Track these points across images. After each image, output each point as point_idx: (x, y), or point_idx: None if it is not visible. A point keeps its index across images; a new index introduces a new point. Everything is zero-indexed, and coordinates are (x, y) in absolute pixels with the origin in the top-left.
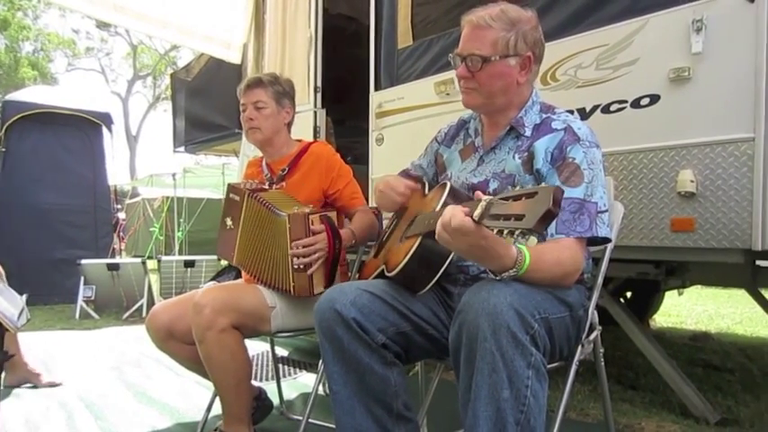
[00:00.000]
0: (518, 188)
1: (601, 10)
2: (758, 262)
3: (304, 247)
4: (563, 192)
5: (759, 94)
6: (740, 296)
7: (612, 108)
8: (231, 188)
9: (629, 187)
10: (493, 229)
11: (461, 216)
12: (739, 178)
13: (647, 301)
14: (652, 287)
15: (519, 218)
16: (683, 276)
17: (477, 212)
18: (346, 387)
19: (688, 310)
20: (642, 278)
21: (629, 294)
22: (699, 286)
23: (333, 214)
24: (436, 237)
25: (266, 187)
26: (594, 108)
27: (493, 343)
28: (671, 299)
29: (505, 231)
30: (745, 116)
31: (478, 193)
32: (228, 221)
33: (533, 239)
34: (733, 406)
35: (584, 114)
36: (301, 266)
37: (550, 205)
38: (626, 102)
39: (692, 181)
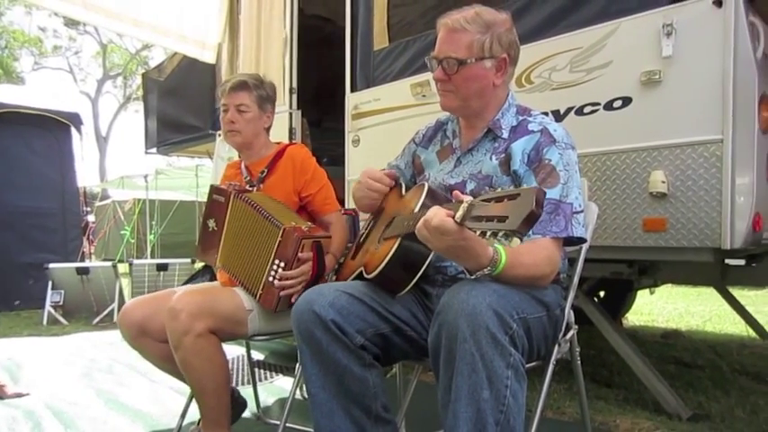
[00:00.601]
0: (498, 189)
1: (574, 13)
2: (727, 260)
3: (288, 279)
4: (545, 193)
5: (726, 97)
6: (709, 294)
7: (586, 110)
8: (215, 190)
9: (602, 188)
10: (475, 231)
11: (443, 215)
12: (708, 179)
13: (619, 300)
14: (624, 286)
15: (502, 219)
16: (655, 275)
17: (459, 214)
18: (324, 389)
19: (659, 308)
20: (615, 277)
21: (602, 294)
22: (669, 285)
23: (326, 241)
24: (416, 233)
25: (248, 189)
26: (569, 110)
27: (472, 344)
28: (642, 297)
29: (488, 233)
30: (713, 118)
31: (457, 193)
32: (211, 223)
33: (516, 240)
34: (704, 402)
35: (558, 116)
36: (275, 282)
37: (533, 207)
38: (599, 104)
39: (663, 181)
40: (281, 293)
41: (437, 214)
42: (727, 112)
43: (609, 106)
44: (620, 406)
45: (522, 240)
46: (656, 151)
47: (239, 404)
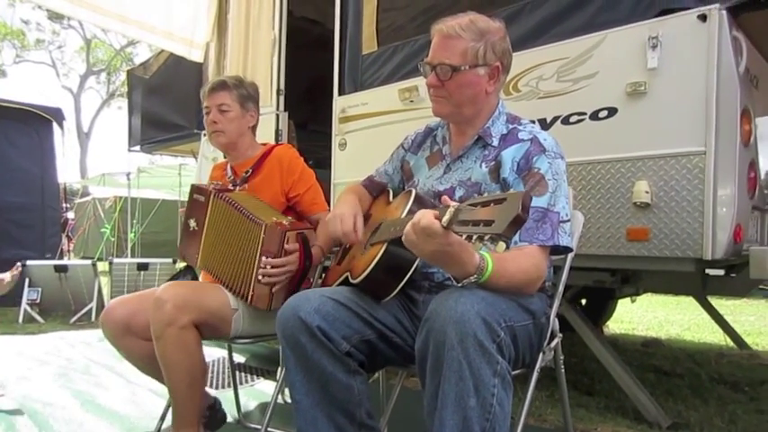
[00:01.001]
0: (486, 195)
1: (562, 24)
2: (707, 270)
3: (274, 267)
4: (531, 197)
5: (710, 110)
6: (688, 303)
7: (572, 119)
8: (195, 189)
9: (587, 197)
10: (462, 235)
11: (430, 217)
12: (691, 190)
13: (600, 308)
14: (606, 294)
15: (488, 223)
16: (638, 284)
17: (445, 218)
18: (308, 396)
19: (639, 316)
20: (598, 286)
21: (583, 301)
22: (649, 293)
23: (311, 233)
24: (403, 237)
25: (230, 188)
26: (555, 119)
27: (460, 351)
28: (623, 306)
29: (474, 236)
30: (697, 130)
31: (446, 198)
32: (192, 223)
33: (502, 245)
34: (683, 410)
35: (544, 125)
36: (263, 279)
37: (519, 211)
38: (585, 114)
39: (647, 192)
40: (263, 281)
41: (425, 215)
42: (711, 125)
43: (595, 116)
44: (601, 414)
45: (508, 245)
46: (640, 162)
47: (219, 418)
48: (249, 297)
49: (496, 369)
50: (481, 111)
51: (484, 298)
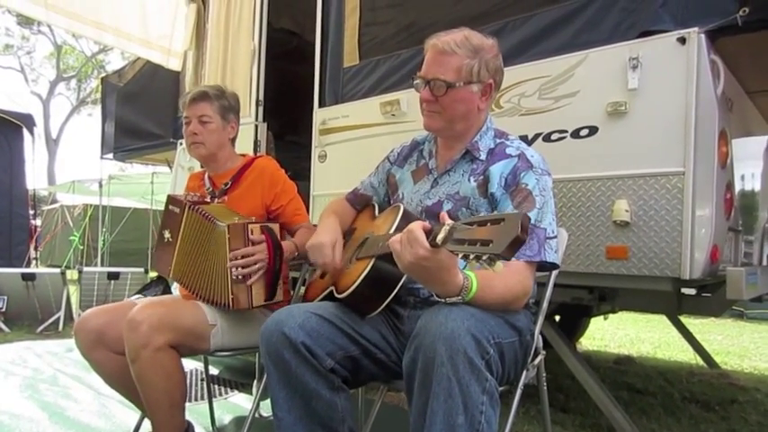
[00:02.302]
0: (482, 213)
1: (544, 42)
2: (683, 289)
3: (243, 257)
4: (530, 219)
5: (689, 131)
6: (658, 321)
7: (553, 137)
8: (171, 200)
9: (567, 214)
10: (458, 254)
11: (417, 226)
12: (670, 210)
13: (575, 325)
14: (580, 311)
15: (485, 243)
16: (614, 302)
17: (440, 236)
18: (291, 412)
19: (611, 333)
20: (576, 303)
21: (557, 318)
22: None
23: (275, 226)
24: (390, 244)
25: (208, 200)
26: (536, 136)
27: (450, 368)
28: (595, 323)
29: (471, 256)
30: (676, 151)
31: (444, 215)
32: (167, 234)
33: (499, 264)
34: (657, 429)
35: (526, 142)
36: (240, 277)
37: (519, 232)
38: (566, 132)
39: (626, 210)
40: (237, 277)
41: (417, 226)
42: (689, 146)
43: (576, 134)
44: (577, 431)
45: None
46: (620, 180)
47: None
48: (230, 302)
49: (485, 386)
50: (472, 126)
51: (473, 314)
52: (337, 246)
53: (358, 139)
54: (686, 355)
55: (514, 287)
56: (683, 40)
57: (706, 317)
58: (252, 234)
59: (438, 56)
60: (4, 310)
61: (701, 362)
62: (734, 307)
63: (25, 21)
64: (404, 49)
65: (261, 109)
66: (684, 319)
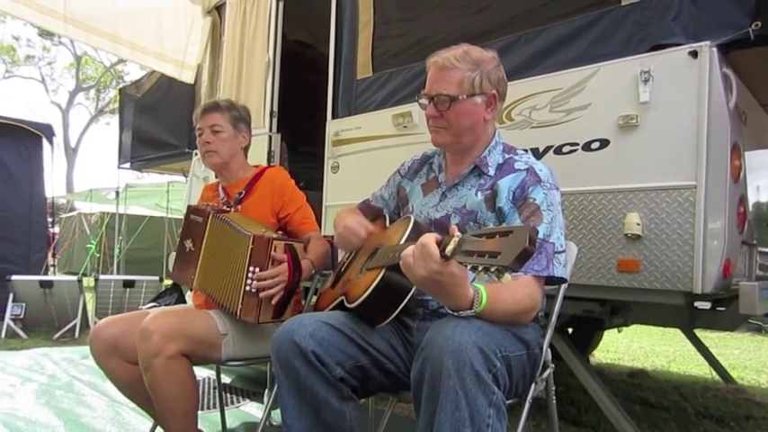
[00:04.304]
0: (490, 225)
1: (555, 55)
2: (696, 303)
3: (265, 279)
4: (538, 231)
5: (701, 145)
6: (673, 334)
7: (565, 150)
8: (192, 210)
9: (578, 227)
10: (467, 265)
11: (431, 239)
12: (682, 223)
13: (588, 338)
14: (594, 324)
15: (494, 255)
16: (626, 315)
17: (449, 247)
18: (300, 421)
19: (625, 346)
20: (587, 315)
21: (570, 330)
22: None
23: (299, 246)
24: (402, 257)
25: (225, 209)
26: (548, 149)
27: (457, 381)
28: (609, 335)
29: (480, 267)
30: (687, 165)
31: (453, 227)
32: (188, 244)
33: (507, 276)
34: None
35: (537, 154)
36: (253, 291)
37: (527, 244)
38: (577, 144)
39: (638, 224)
40: (261, 295)
41: (429, 238)
42: (701, 160)
43: (587, 147)
44: None
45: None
46: (631, 194)
47: None
48: (238, 311)
49: (492, 399)
50: (479, 139)
51: (480, 328)
52: (363, 221)
53: (370, 151)
54: (701, 369)
55: (523, 300)
56: (694, 54)
57: (720, 331)
58: (275, 251)
59: (439, 72)
60: (22, 316)
61: (716, 376)
62: (751, 321)
63: (46, 32)
64: (417, 62)
65: (275, 120)
66: (700, 333)
